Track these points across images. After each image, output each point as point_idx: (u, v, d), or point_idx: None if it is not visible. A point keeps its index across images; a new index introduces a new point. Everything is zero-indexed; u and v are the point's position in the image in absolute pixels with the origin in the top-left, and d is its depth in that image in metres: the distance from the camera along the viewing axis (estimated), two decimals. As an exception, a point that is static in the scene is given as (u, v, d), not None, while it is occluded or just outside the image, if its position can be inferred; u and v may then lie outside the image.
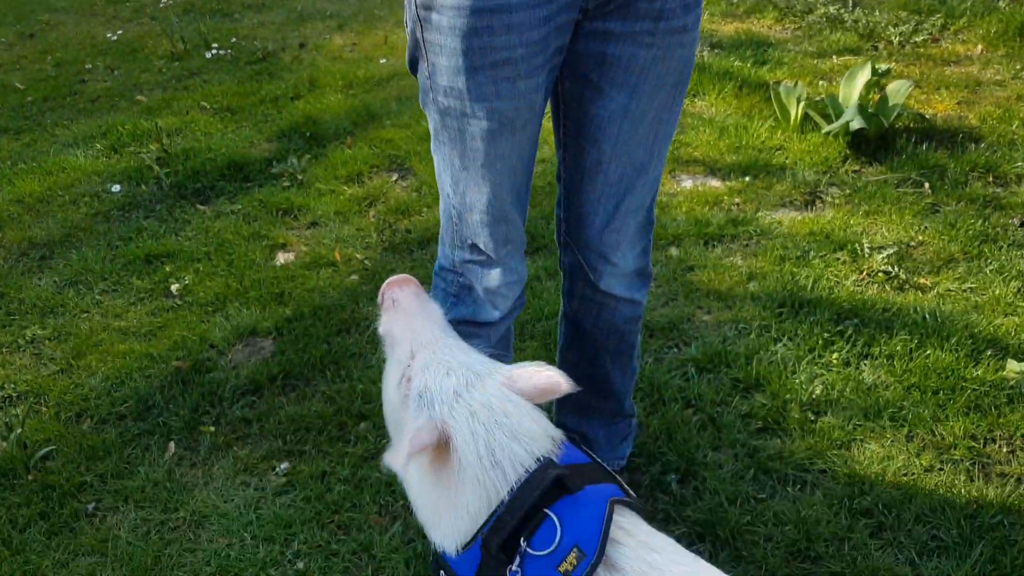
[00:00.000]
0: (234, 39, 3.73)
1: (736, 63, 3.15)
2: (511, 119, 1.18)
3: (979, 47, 3.16)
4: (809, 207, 2.40)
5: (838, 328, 1.91)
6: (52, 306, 2.14)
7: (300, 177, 2.66)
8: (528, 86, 1.16)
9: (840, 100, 2.67)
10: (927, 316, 1.93)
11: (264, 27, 3.87)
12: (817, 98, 2.87)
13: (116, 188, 2.62)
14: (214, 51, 3.58)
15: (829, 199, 2.41)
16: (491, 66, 1.13)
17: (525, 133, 1.21)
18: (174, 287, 2.17)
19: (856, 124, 2.53)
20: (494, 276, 1.30)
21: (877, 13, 3.47)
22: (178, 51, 3.60)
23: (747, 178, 2.52)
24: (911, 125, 2.70)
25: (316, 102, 3.13)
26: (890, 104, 2.57)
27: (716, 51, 3.29)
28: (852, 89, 2.65)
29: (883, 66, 2.69)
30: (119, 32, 3.89)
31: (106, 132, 2.96)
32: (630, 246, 1.37)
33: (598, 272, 1.38)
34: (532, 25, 1.11)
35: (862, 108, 2.57)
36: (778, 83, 2.82)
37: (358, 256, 2.29)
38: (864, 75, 2.63)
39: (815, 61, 3.18)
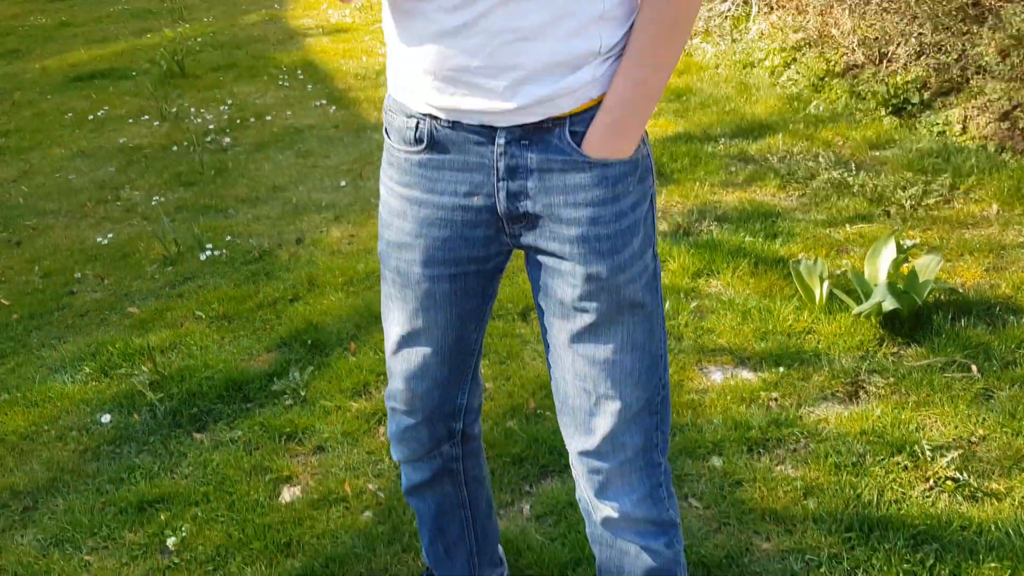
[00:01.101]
0: (229, 237, 3.64)
1: (747, 238, 3.06)
2: (414, 298, 1.25)
3: (994, 206, 3.09)
4: (853, 399, 2.24)
5: (918, 555, 1.70)
6: (36, 572, 1.92)
7: (303, 393, 2.49)
8: (426, 275, 1.23)
9: (867, 277, 2.56)
10: (1010, 532, 1.73)
11: (259, 222, 3.79)
12: (838, 271, 2.77)
13: (106, 419, 2.44)
14: (208, 252, 3.48)
15: (873, 389, 2.25)
16: (394, 243, 1.24)
17: (440, 312, 1.26)
18: (170, 541, 1.96)
19: (889, 305, 2.41)
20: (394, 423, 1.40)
21: (883, 175, 3.43)
22: (171, 254, 3.50)
23: (781, 368, 2.37)
24: (942, 298, 2.58)
25: (316, 303, 3.00)
26: (921, 280, 2.46)
27: (723, 225, 3.21)
28: (878, 266, 2.55)
29: (907, 241, 2.59)
30: (109, 235, 3.81)
31: (95, 352, 2.81)
32: (625, 489, 1.21)
33: (595, 508, 1.27)
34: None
35: (891, 286, 2.45)
36: (797, 261, 2.72)
37: (370, 487, 2.09)
38: (889, 251, 2.53)
39: (827, 231, 3.10)
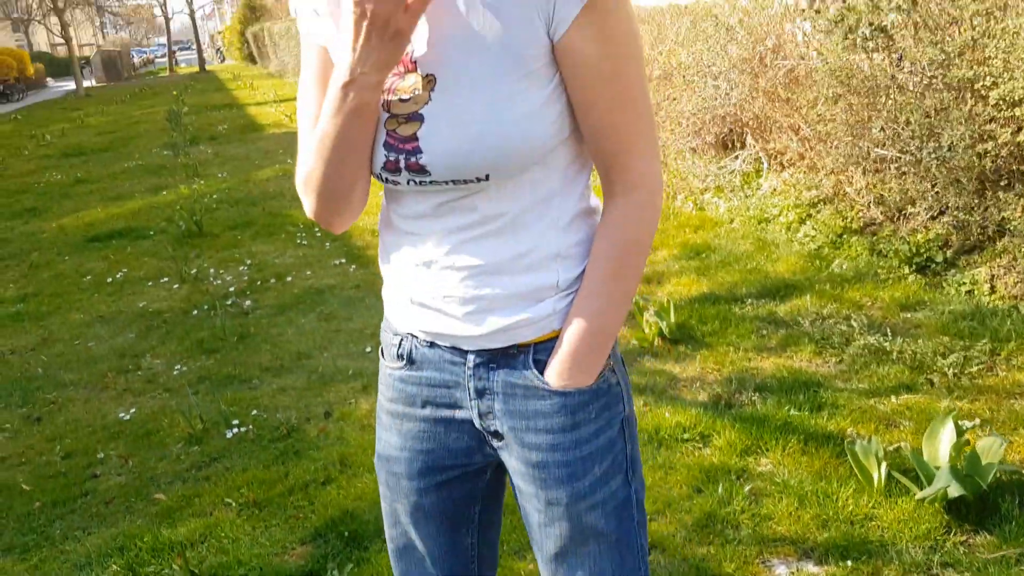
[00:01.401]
0: (255, 411, 3.57)
1: (792, 411, 3.00)
2: (405, 511, 1.30)
3: (1039, 375, 3.04)
4: (932, 598, 2.12)
5: None
6: None
7: (344, 596, 2.36)
8: (414, 487, 1.27)
9: (926, 459, 2.48)
10: None
11: (285, 394, 3.73)
12: (891, 447, 2.69)
13: (136, 627, 2.30)
14: (235, 429, 3.40)
15: (951, 587, 2.14)
16: (383, 456, 1.31)
17: (430, 523, 1.30)
18: None
19: (955, 491, 2.33)
20: None
21: (920, 341, 3.40)
22: (196, 431, 3.42)
23: (848, 561, 2.26)
24: (1003, 478, 2.49)
25: (349, 487, 2.90)
26: (984, 463, 2.38)
27: (765, 396, 3.16)
28: (937, 447, 2.47)
29: (966, 423, 2.53)
30: (132, 410, 3.73)
31: (123, 547, 2.68)
32: None
33: None
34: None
35: (954, 469, 2.37)
36: (852, 441, 2.64)
37: None
38: (947, 432, 2.46)
39: (872, 401, 3.04)
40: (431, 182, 1.08)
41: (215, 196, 8.11)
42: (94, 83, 38.35)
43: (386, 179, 1.13)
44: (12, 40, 50.78)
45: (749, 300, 4.06)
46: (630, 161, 1.09)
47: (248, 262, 5.71)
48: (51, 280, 5.87)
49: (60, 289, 5.62)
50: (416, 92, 1.06)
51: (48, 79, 46.26)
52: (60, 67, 52.66)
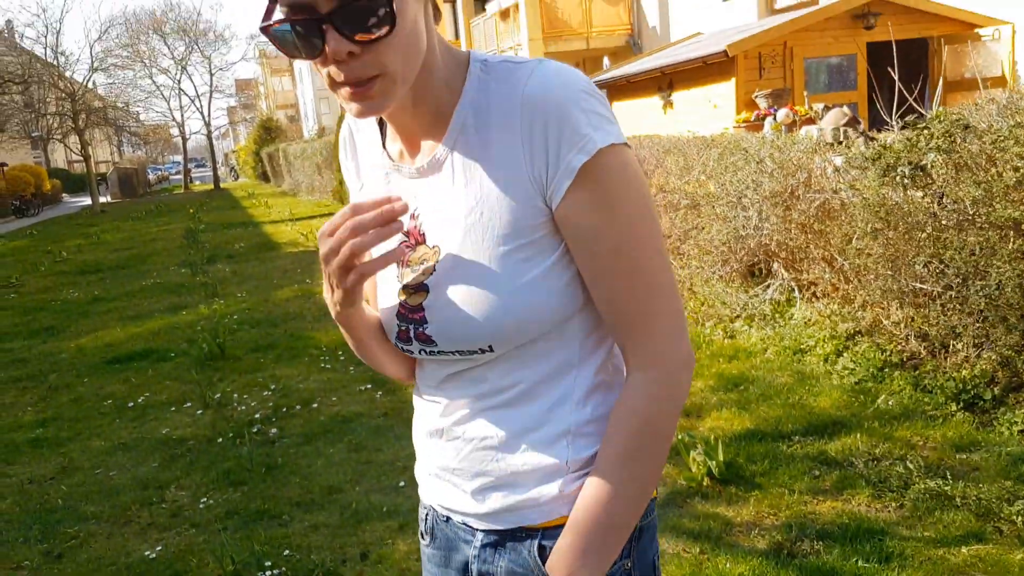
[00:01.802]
0: (287, 551, 3.41)
1: (859, 562, 2.85)
2: None
3: (1116, 525, 2.91)
4: None
5: None
6: None
7: None
8: None
9: (1017, 622, 2.33)
10: None
11: (318, 532, 3.58)
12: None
13: None
14: (268, 572, 3.24)
15: None
16: None
17: None
18: None
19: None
20: None
21: (981, 485, 3.28)
22: (227, 573, 3.26)
23: None
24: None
25: (394, 640, 2.73)
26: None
27: (827, 544, 3.01)
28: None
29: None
30: (158, 547, 3.58)
31: None
32: None
33: None
34: None
35: (1050, 635, 2.22)
36: (932, 599, 2.50)
37: None
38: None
39: (941, 552, 2.90)
40: (439, 352, 1.08)
41: (235, 316, 8.09)
42: (110, 199, 39.13)
43: (401, 348, 1.13)
44: (31, 157, 52.14)
45: (796, 437, 3.95)
46: (645, 337, 1.02)
47: (272, 387, 5.62)
48: (70, 404, 5.77)
49: (80, 414, 5.51)
50: (424, 263, 1.06)
51: (64, 195, 47.26)
52: (76, 183, 53.87)
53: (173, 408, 5.39)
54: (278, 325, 7.57)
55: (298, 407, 5.18)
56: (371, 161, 1.16)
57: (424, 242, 1.07)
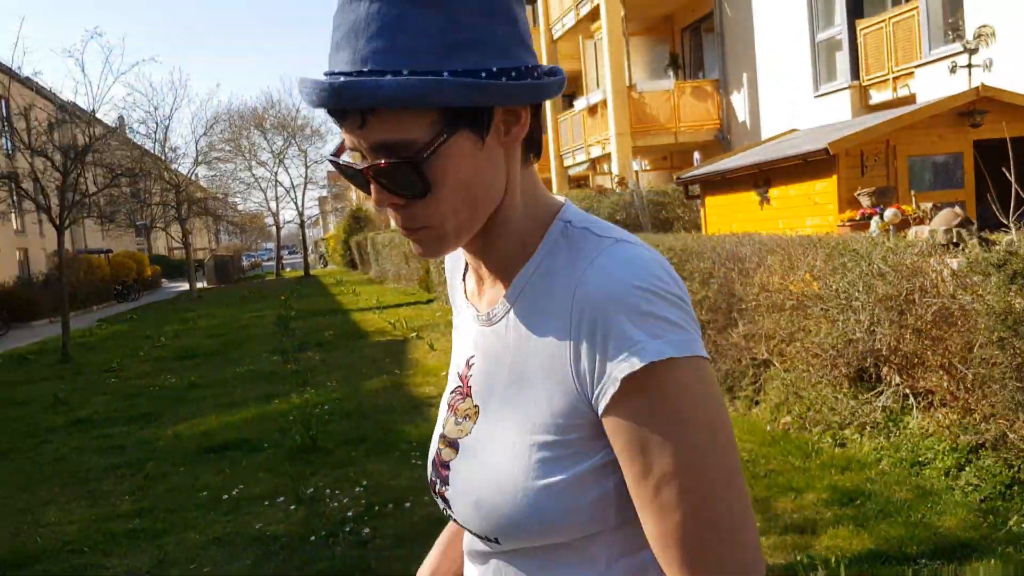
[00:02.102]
0: (383, 666, 3.28)
1: None
2: None
3: None
4: None
5: None
6: None
7: None
8: None
9: None
10: None
11: (414, 646, 3.44)
12: None
13: None
14: None
15: None
16: None
17: None
18: None
19: None
20: None
21: None
22: None
23: None
24: None
25: None
26: None
27: None
28: None
29: None
30: (251, 654, 3.49)
31: None
32: None
33: None
34: None
35: None
36: None
37: None
38: None
39: None
40: (454, 519, 1.01)
41: (326, 407, 8.13)
42: (206, 284, 40.63)
43: (433, 496, 1.06)
44: (135, 244, 54.78)
45: (923, 561, 3.67)
46: None
47: (364, 483, 5.56)
48: (166, 494, 5.81)
49: (175, 504, 5.54)
50: (465, 420, 1.00)
51: (163, 280, 49.31)
52: (175, 269, 56.20)
53: (266, 502, 5.37)
54: (368, 417, 7.56)
55: (390, 506, 5.09)
56: (455, 284, 1.12)
57: (470, 395, 1.01)
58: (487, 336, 0.99)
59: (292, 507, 5.23)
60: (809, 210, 8.13)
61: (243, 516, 5.19)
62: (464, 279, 1.08)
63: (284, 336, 14.90)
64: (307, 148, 42.56)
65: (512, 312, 0.96)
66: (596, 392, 0.86)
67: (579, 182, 21.89)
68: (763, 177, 8.61)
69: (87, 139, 14.59)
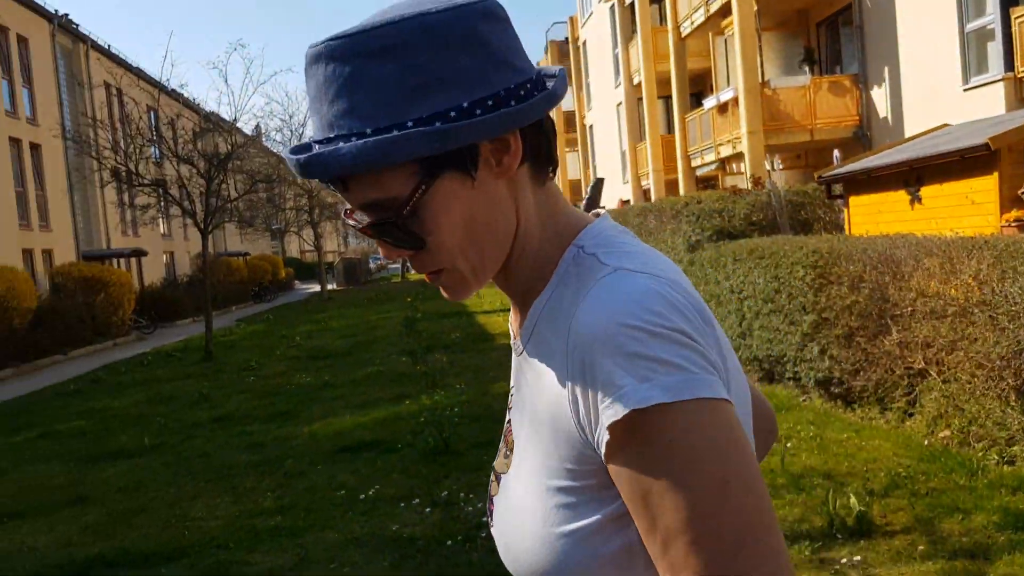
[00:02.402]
0: None
1: None
2: None
3: None
4: None
5: None
6: None
7: None
8: None
9: None
10: None
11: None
12: None
13: None
14: None
15: None
16: None
17: None
18: None
19: None
20: None
21: None
22: None
23: None
24: None
25: None
26: None
27: None
28: None
29: None
30: (393, 659, 3.46)
31: None
32: None
33: None
34: None
35: None
36: None
37: None
38: None
39: None
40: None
41: (456, 409, 8.15)
42: (335, 286, 41.92)
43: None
44: (269, 247, 57.18)
45: (1121, 598, 3.30)
46: None
47: (498, 489, 5.50)
48: (305, 492, 5.92)
49: (314, 503, 5.63)
50: (510, 452, 0.96)
51: (296, 282, 51.25)
52: (306, 271, 58.33)
53: (402, 503, 5.38)
54: (497, 420, 7.51)
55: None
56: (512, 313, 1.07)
57: (512, 430, 0.97)
58: (519, 368, 0.96)
59: (427, 509, 5.22)
60: (966, 209, 7.58)
61: (379, 517, 5.21)
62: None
63: (411, 338, 15.14)
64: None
65: (529, 347, 0.92)
66: (595, 439, 0.80)
67: (707, 183, 21.36)
68: (914, 175, 8.10)
69: (229, 147, 15.26)
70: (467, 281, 0.90)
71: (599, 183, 22.55)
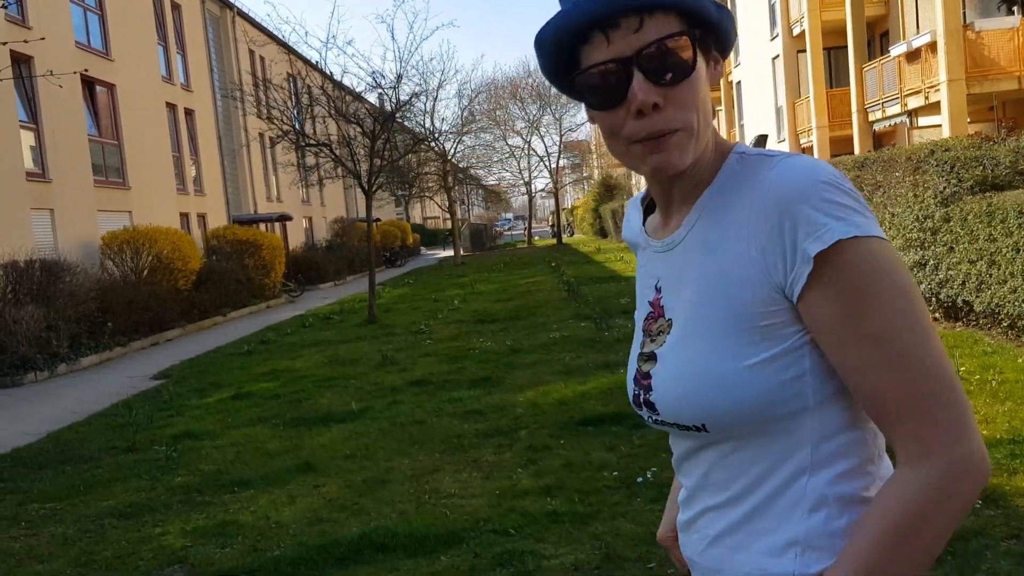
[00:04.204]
0: None
1: None
2: None
3: None
4: None
5: None
6: None
7: None
8: None
9: None
10: None
11: None
12: None
13: None
14: None
15: None
16: None
17: None
18: None
19: None
20: None
21: None
22: None
23: None
24: None
25: None
26: None
27: None
28: None
29: None
30: None
31: None
32: None
33: None
34: None
35: None
36: None
37: None
38: None
39: None
40: (661, 422, 1.11)
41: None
42: (463, 252, 41.78)
43: (636, 412, 1.17)
44: (395, 213, 57.62)
45: None
46: (914, 432, 0.94)
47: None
48: (565, 471, 5.23)
49: (584, 485, 4.93)
50: (660, 334, 1.12)
51: (422, 248, 51.48)
52: (429, 237, 58.56)
53: (698, 491, 4.62)
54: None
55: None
56: (635, 239, 1.27)
57: (663, 315, 1.13)
58: (673, 258, 1.12)
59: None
60: None
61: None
62: (644, 225, 1.24)
63: (579, 303, 14.41)
64: (561, 116, 42.39)
65: (695, 230, 1.09)
66: (790, 278, 0.97)
67: (882, 139, 19.72)
68: None
69: (392, 105, 14.75)
70: (691, 146, 1.03)
71: (762, 140, 21.23)
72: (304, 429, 7.15)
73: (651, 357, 1.12)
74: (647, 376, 1.12)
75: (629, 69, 0.99)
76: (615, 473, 5.05)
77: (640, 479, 4.89)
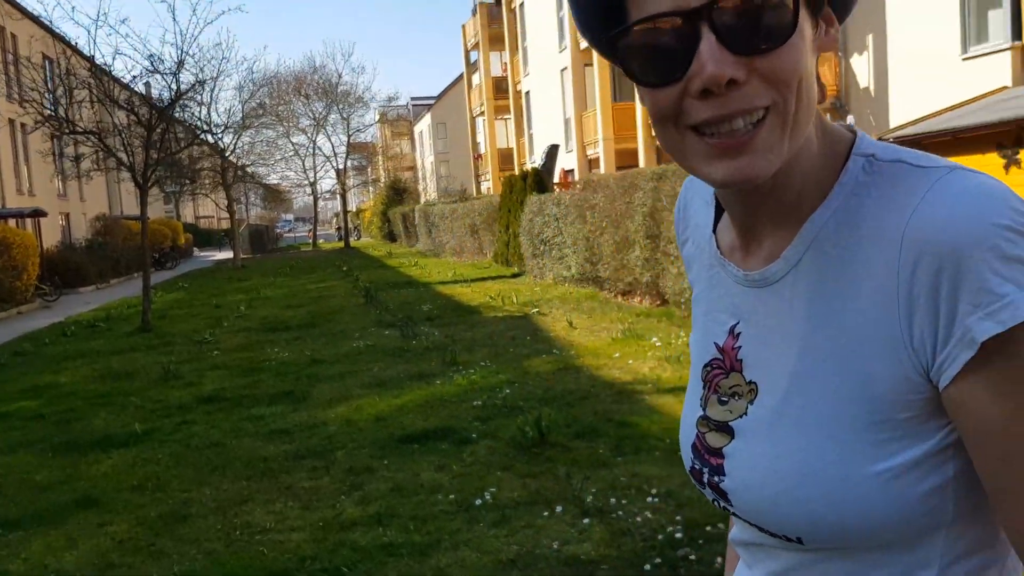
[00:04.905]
0: None
1: None
2: None
3: None
4: None
5: None
6: None
7: None
8: None
9: None
10: None
11: None
12: None
13: None
14: None
15: None
16: None
17: None
18: None
19: None
20: None
21: None
22: None
23: None
24: None
25: None
26: None
27: None
28: None
29: None
30: None
31: None
32: None
33: None
34: None
35: None
36: None
37: None
38: None
39: None
40: (735, 515, 0.86)
41: (507, 391, 7.11)
42: (242, 255, 39.71)
43: (695, 485, 0.90)
44: (164, 211, 53.91)
45: None
46: None
47: (652, 490, 4.52)
48: (393, 495, 4.78)
49: (418, 511, 4.52)
50: (735, 399, 0.85)
51: (195, 249, 48.44)
52: (203, 237, 55.30)
53: (545, 512, 4.34)
54: (574, 405, 6.51)
55: (720, 525, 4.05)
56: (699, 244, 0.94)
57: (740, 370, 0.85)
58: (761, 297, 0.82)
59: (584, 520, 4.20)
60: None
61: (523, 530, 4.16)
62: (715, 232, 0.90)
63: (377, 310, 13.92)
64: (349, 115, 41.45)
65: (801, 267, 0.78)
66: (940, 359, 0.69)
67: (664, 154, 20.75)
68: (1012, 136, 7.50)
69: (172, 94, 13.50)
70: (784, 140, 0.71)
71: (554, 150, 21.66)
72: (79, 455, 6.19)
73: (724, 428, 0.85)
74: (718, 454, 0.86)
75: (696, 27, 0.68)
76: (451, 496, 4.67)
77: (478, 501, 4.55)
